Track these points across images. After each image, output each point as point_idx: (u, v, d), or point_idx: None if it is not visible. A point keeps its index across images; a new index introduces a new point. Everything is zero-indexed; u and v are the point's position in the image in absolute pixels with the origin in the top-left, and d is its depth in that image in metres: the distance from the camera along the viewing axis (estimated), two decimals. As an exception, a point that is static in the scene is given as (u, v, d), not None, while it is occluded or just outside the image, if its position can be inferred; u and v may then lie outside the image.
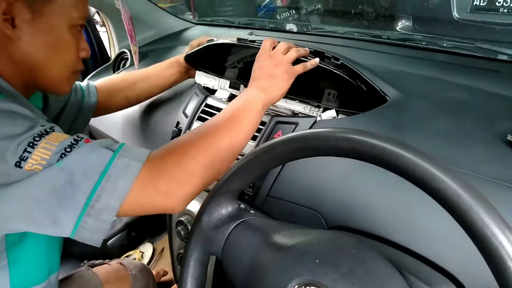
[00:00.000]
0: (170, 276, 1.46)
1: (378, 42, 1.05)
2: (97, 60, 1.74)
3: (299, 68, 0.76)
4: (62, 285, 0.86)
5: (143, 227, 1.66)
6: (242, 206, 0.54)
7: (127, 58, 1.39)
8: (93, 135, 1.39)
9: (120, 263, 1.02)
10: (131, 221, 1.61)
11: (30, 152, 0.48)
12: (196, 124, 0.95)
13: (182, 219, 0.93)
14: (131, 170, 0.51)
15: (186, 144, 0.58)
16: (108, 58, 1.72)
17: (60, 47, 0.62)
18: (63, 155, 0.49)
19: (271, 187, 0.74)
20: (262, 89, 0.70)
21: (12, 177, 0.47)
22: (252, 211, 0.55)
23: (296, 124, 0.79)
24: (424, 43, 0.98)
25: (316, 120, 0.78)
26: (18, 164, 0.47)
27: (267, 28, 1.41)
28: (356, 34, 1.14)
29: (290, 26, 1.41)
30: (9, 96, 0.56)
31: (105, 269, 0.98)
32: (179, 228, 0.93)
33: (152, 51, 1.41)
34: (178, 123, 0.99)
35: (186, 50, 1.02)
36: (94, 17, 1.75)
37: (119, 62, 1.44)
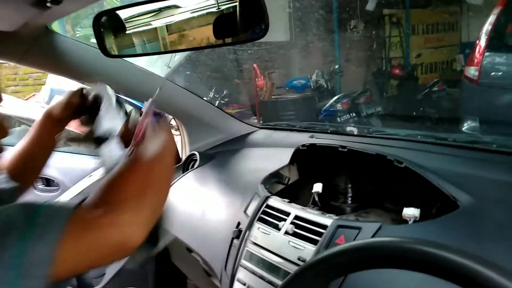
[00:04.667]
0: None
1: (443, 144, 1.02)
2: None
3: None
4: None
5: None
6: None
7: (196, 160, 1.49)
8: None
9: None
10: None
11: None
12: (256, 225, 0.94)
13: None
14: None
15: None
16: (179, 159, 1.87)
17: None
18: None
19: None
20: None
21: None
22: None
23: (359, 229, 0.75)
24: (495, 145, 0.94)
25: (380, 226, 0.74)
26: None
27: (328, 131, 1.45)
28: (419, 137, 1.12)
29: (351, 129, 1.44)
30: None
31: None
32: None
33: (218, 153, 1.50)
34: (239, 223, 0.99)
35: None
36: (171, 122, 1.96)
37: (189, 163, 1.54)
